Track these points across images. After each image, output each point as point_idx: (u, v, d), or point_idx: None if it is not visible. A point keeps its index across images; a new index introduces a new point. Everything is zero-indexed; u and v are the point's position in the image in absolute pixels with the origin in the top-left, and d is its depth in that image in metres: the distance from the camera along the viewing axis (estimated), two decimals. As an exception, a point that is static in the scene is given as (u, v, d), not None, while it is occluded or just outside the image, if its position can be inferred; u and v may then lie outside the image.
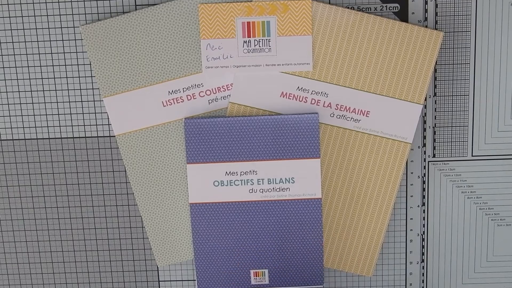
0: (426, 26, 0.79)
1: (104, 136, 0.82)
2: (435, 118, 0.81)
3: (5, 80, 0.81)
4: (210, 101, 0.80)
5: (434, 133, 0.82)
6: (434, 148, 0.82)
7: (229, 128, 0.80)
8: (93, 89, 0.81)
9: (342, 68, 0.79)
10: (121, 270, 0.86)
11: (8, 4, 0.79)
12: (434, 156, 0.82)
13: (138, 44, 0.79)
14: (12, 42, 0.80)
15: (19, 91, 0.81)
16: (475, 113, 0.81)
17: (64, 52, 0.80)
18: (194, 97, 0.80)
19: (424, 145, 0.82)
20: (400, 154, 0.81)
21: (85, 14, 0.79)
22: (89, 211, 0.84)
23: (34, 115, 0.82)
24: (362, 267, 0.84)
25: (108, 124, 0.82)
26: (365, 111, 0.80)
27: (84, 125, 0.82)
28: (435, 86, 0.81)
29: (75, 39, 0.80)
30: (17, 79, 0.81)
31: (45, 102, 0.81)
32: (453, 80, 0.80)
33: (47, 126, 0.82)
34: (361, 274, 0.84)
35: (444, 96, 0.81)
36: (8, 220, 0.84)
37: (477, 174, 0.82)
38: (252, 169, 0.81)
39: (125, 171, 0.83)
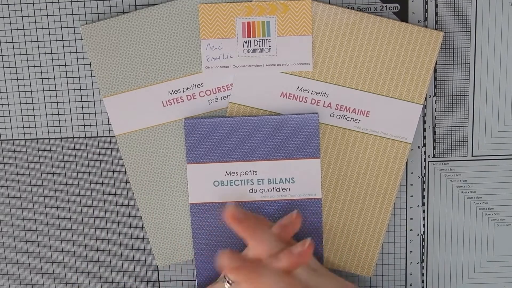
0: (426, 26, 0.79)
1: (104, 136, 0.82)
2: (435, 118, 0.81)
3: (5, 80, 0.81)
4: (210, 101, 0.81)
5: (434, 133, 0.82)
6: (434, 148, 0.82)
7: (229, 128, 0.80)
8: (93, 89, 0.81)
9: (342, 68, 0.79)
10: (121, 270, 0.86)
11: (8, 4, 0.79)
12: (434, 156, 0.82)
13: (138, 44, 0.79)
14: (12, 42, 0.80)
15: (19, 91, 0.81)
16: (475, 113, 0.81)
17: (64, 52, 0.80)
18: (194, 97, 0.80)
19: (424, 145, 0.82)
20: (400, 154, 0.81)
21: (85, 14, 0.79)
22: (89, 211, 0.84)
23: (34, 115, 0.82)
24: (362, 267, 0.84)
25: (108, 124, 0.82)
26: (365, 111, 0.80)
27: (84, 125, 0.82)
28: (435, 86, 0.81)
29: (75, 39, 0.80)
30: (17, 79, 0.81)
31: (45, 102, 0.81)
32: (453, 80, 0.80)
33: (47, 126, 0.82)
34: (361, 274, 0.84)
35: (444, 96, 0.81)
36: (8, 220, 0.84)
37: (477, 174, 0.83)
38: (252, 169, 0.81)
39: (125, 171, 0.83)
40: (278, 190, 0.81)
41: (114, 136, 0.82)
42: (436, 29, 0.79)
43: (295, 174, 0.81)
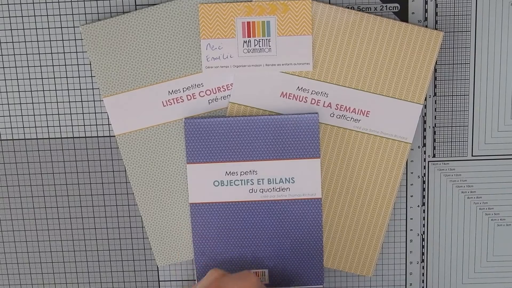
0: (426, 26, 0.79)
1: (104, 136, 0.82)
2: (435, 118, 0.81)
3: (5, 80, 0.81)
4: (210, 101, 0.81)
5: (434, 133, 0.82)
6: (434, 148, 0.82)
7: (229, 128, 0.80)
8: (93, 89, 0.81)
9: (342, 68, 0.79)
10: (121, 270, 0.86)
11: (8, 4, 0.79)
12: (434, 156, 0.82)
13: (138, 44, 0.79)
14: (12, 42, 0.80)
15: (19, 91, 0.81)
16: (475, 113, 0.81)
17: (64, 52, 0.80)
18: (194, 97, 0.80)
19: (424, 145, 0.82)
20: (400, 154, 0.81)
21: (85, 14, 0.79)
22: (89, 211, 0.84)
23: (34, 115, 0.82)
24: (362, 267, 0.84)
25: (108, 124, 0.82)
26: (365, 111, 0.80)
27: (84, 125, 0.82)
28: (435, 86, 0.81)
29: (75, 39, 0.80)
30: (17, 79, 0.81)
31: (45, 102, 0.81)
32: (453, 80, 0.80)
33: (47, 126, 0.82)
34: (361, 274, 0.84)
35: (444, 96, 0.81)
36: (8, 220, 0.84)
37: (477, 174, 0.82)
38: (252, 169, 0.81)
39: (125, 171, 0.83)
40: (278, 190, 0.81)
41: (114, 136, 0.82)
42: (436, 29, 0.79)
43: (295, 174, 0.81)
